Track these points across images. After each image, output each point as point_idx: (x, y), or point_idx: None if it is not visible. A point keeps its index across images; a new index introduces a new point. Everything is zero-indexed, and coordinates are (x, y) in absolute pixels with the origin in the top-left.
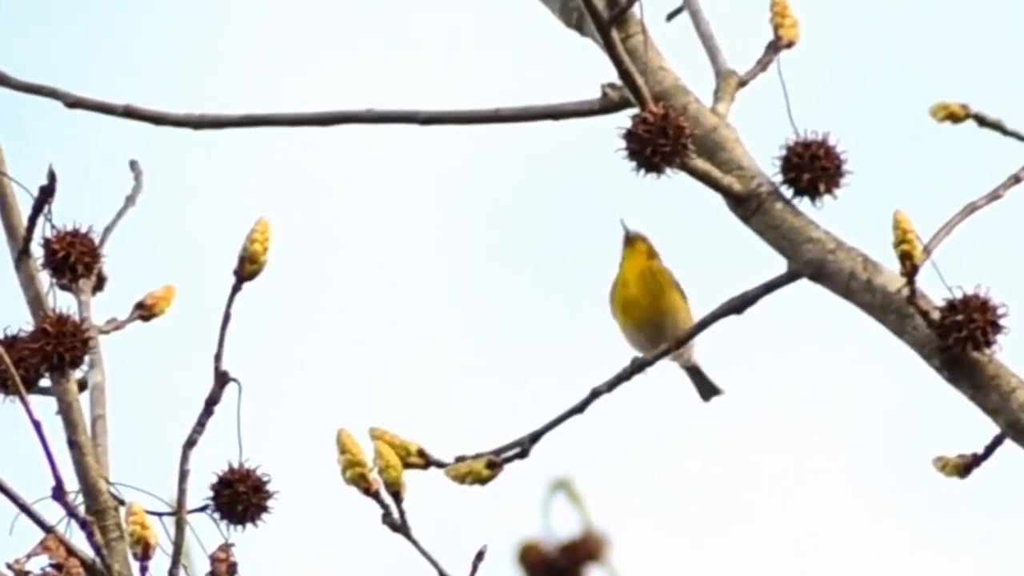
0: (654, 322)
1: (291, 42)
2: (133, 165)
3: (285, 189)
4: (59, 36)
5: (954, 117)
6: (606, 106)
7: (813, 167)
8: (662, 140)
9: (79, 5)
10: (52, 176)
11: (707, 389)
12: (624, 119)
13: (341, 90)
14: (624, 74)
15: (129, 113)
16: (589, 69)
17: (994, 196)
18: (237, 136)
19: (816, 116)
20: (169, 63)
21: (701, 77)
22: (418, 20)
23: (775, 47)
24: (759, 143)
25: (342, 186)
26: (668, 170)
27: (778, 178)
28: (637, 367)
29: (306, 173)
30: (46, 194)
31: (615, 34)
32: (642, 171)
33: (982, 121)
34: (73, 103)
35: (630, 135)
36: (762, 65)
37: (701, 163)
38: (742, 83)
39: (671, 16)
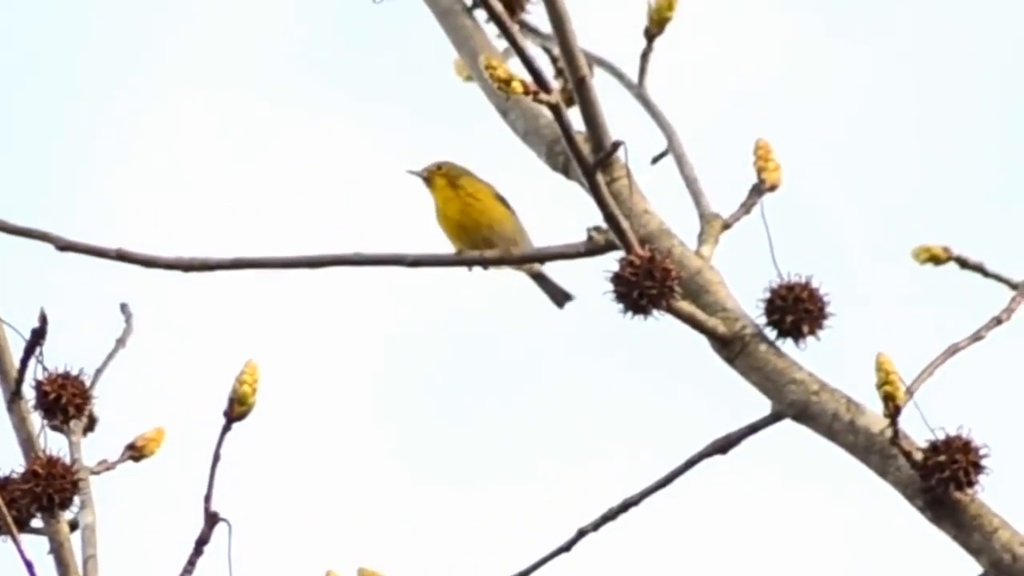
0: (485, 240)
1: (277, 181)
2: (123, 308)
3: (273, 329)
4: (51, 179)
5: (936, 259)
6: (592, 249)
7: (796, 309)
8: (649, 283)
9: (66, 149)
10: (43, 319)
11: (558, 296)
12: (610, 262)
13: (326, 228)
14: (609, 217)
15: (121, 257)
16: (575, 212)
17: (976, 337)
18: (227, 277)
19: (799, 258)
20: (159, 205)
21: (685, 220)
22: (402, 164)
23: (758, 190)
24: (743, 285)
25: (331, 324)
26: (654, 312)
27: (762, 320)
28: (465, 261)
29: (295, 312)
30: (38, 337)
31: (600, 178)
32: (629, 313)
33: (964, 263)
34: (65, 246)
35: (617, 278)
36: (746, 208)
37: (686, 305)
38: (726, 226)
39: (656, 160)
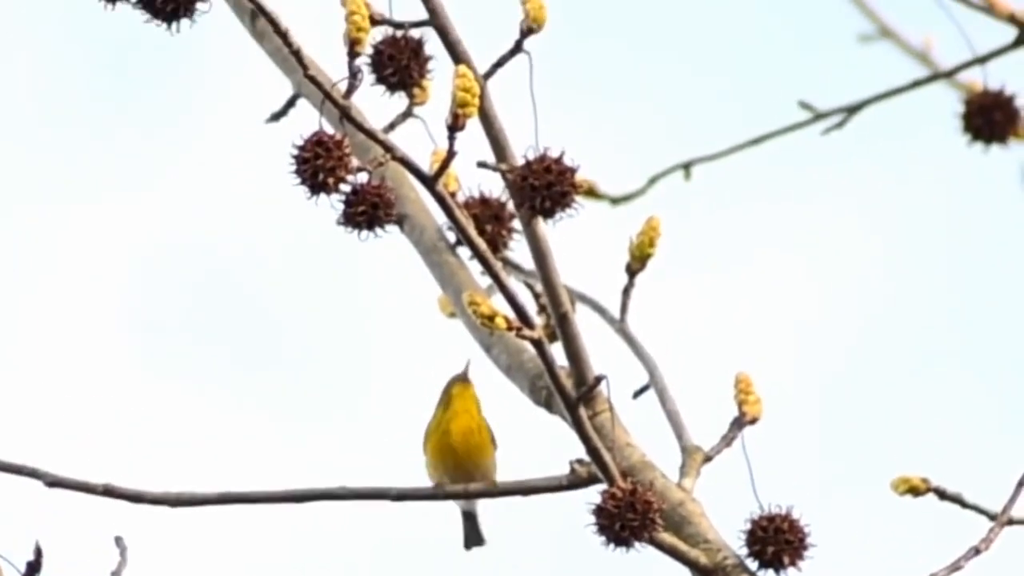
0: (467, 474)
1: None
2: (118, 541)
3: (265, 557)
4: (39, 415)
5: (915, 490)
6: (575, 482)
7: (777, 540)
8: (631, 515)
9: (50, 384)
10: (38, 552)
11: (473, 537)
12: (593, 494)
13: (311, 461)
14: (592, 451)
15: (108, 492)
16: (557, 445)
17: (955, 567)
18: (214, 512)
19: (780, 489)
20: (147, 441)
21: (667, 452)
22: (378, 406)
23: (739, 423)
24: (725, 516)
25: (323, 558)
26: (637, 544)
27: (744, 551)
28: (450, 495)
29: (285, 542)
30: (32, 570)
31: (583, 412)
32: (611, 545)
33: (942, 495)
34: (53, 483)
35: (599, 510)
36: (727, 441)
37: (668, 537)
38: (707, 458)
39: (637, 394)
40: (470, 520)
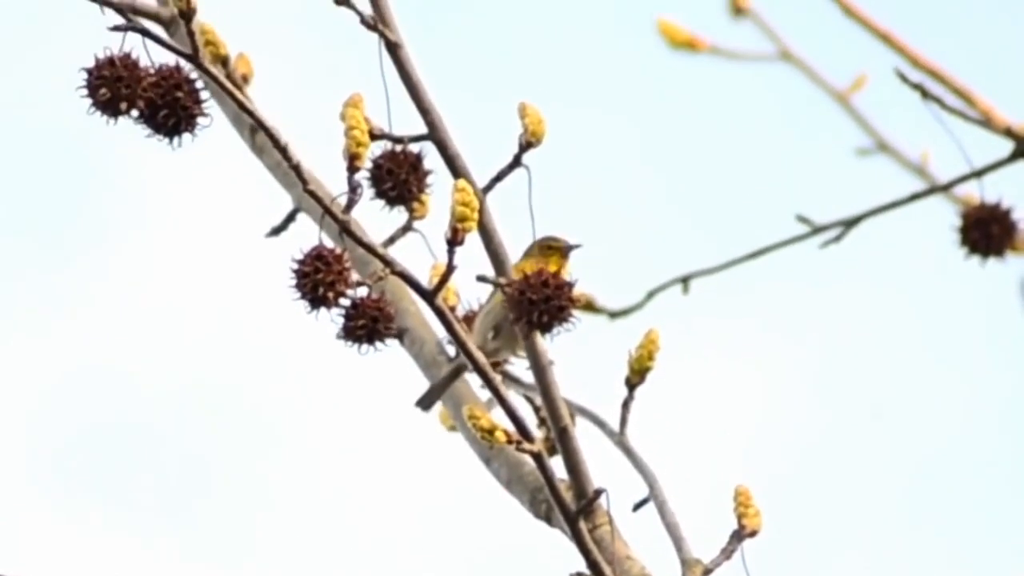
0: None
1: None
2: None
3: None
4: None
5: None
6: None
7: None
8: None
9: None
10: None
11: (430, 398)
12: None
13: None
14: (592, 564)
15: None
16: (558, 558)
17: None
18: None
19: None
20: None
21: (667, 565)
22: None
23: (739, 536)
24: None
25: None
26: None
27: None
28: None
29: None
30: None
31: (583, 525)
32: None
33: None
34: None
35: None
36: (726, 554)
37: None
38: (707, 571)
39: (637, 507)
40: (444, 384)
